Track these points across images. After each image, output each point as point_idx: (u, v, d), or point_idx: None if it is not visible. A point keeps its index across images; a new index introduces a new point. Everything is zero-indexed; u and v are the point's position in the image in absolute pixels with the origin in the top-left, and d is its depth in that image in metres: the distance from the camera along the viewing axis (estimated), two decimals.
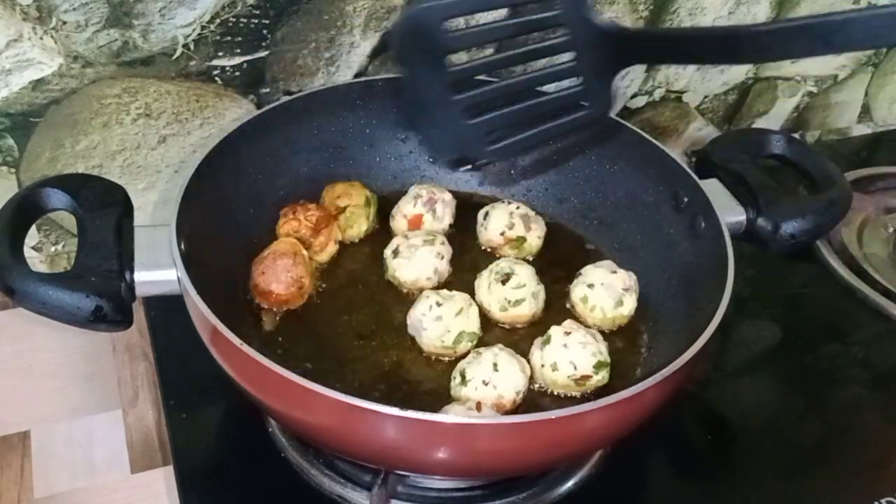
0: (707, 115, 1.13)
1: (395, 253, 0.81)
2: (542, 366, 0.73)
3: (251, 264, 0.78)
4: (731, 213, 0.78)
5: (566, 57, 0.67)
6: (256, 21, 0.86)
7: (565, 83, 0.68)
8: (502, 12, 0.68)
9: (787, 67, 1.13)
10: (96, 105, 0.85)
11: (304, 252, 0.79)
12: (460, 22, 0.66)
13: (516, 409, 0.71)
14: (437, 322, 0.74)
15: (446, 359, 0.75)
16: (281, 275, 0.76)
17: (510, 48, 0.68)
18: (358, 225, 0.85)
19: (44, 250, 0.92)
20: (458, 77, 0.66)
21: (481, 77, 0.68)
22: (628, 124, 0.86)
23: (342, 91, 0.87)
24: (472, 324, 0.75)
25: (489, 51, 0.72)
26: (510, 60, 0.68)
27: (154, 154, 0.90)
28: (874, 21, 0.54)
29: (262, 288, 0.76)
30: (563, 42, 0.66)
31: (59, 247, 0.92)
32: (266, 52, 0.88)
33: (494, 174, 0.92)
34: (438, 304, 0.74)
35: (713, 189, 0.79)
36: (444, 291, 0.77)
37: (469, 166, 0.81)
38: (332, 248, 0.83)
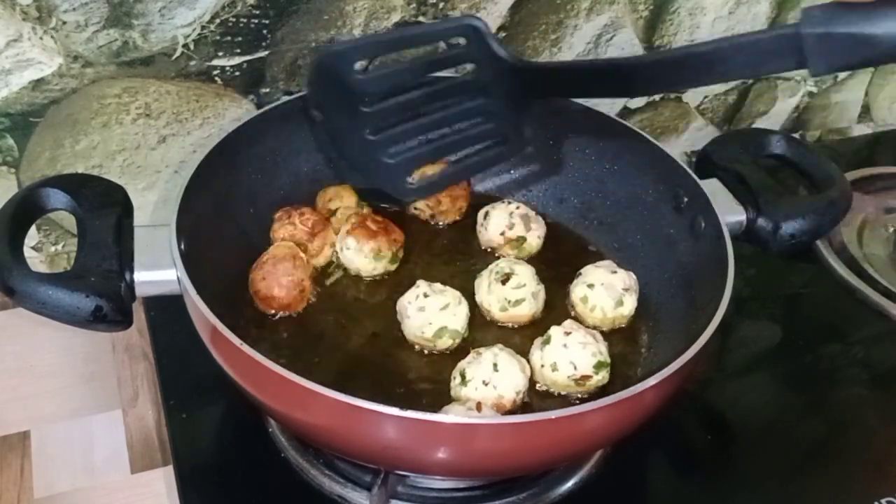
0: (707, 115, 1.13)
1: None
2: (542, 366, 0.73)
3: (250, 269, 0.77)
4: (731, 213, 0.78)
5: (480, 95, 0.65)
6: (256, 21, 0.86)
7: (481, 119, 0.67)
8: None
9: None
10: (96, 105, 0.85)
11: (303, 255, 0.78)
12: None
13: (516, 409, 0.71)
14: (420, 312, 0.74)
15: (436, 352, 0.75)
16: (282, 279, 0.76)
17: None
18: None
19: (44, 250, 0.92)
20: (374, 118, 0.65)
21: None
22: (628, 124, 0.86)
23: None
24: (458, 322, 0.75)
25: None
26: (423, 98, 0.66)
27: (154, 154, 0.90)
28: (759, 45, 0.53)
29: (263, 293, 0.76)
30: (472, 79, 0.65)
31: (59, 247, 0.92)
32: (266, 52, 0.88)
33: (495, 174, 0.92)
34: (426, 296, 0.74)
35: (713, 189, 0.79)
36: (438, 285, 0.76)
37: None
38: (328, 252, 0.82)
